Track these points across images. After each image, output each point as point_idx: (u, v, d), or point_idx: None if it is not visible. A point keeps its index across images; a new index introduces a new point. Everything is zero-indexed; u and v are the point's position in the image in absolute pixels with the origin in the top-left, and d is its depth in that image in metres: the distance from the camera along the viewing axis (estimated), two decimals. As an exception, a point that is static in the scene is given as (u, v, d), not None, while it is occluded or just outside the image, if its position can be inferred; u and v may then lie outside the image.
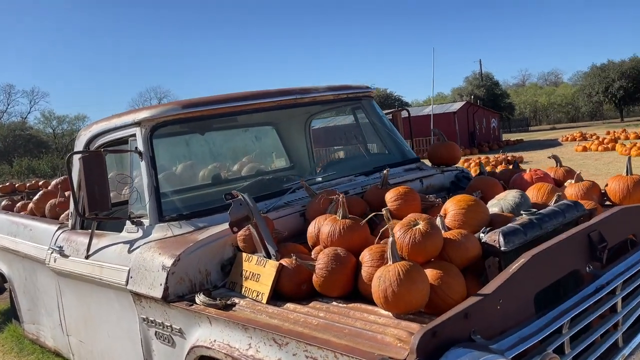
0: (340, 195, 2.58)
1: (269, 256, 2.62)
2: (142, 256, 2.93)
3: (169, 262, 2.71)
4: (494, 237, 2.39)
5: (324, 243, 2.52)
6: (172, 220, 3.07)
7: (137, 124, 3.31)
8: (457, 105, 33.74)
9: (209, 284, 2.78)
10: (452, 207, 2.62)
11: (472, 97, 35.78)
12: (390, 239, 2.13)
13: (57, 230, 4.07)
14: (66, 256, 3.72)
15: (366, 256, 2.32)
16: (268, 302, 2.42)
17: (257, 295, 2.48)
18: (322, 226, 2.58)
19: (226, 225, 2.88)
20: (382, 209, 2.35)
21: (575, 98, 66.16)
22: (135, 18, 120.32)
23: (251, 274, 2.59)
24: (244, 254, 2.72)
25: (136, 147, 3.26)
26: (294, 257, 2.39)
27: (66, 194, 4.85)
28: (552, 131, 51.58)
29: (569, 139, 33.50)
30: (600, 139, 27.34)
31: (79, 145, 3.92)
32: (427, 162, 4.26)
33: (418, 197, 2.91)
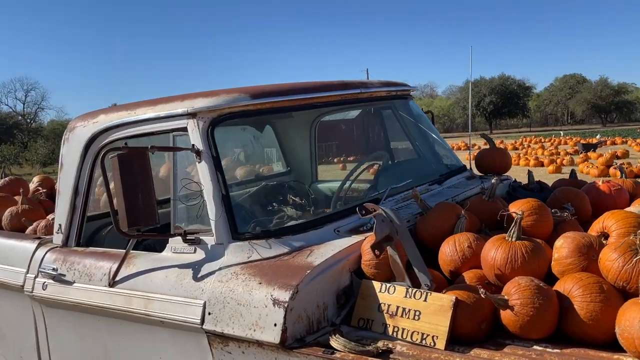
0: (519, 212, 2.11)
1: (414, 285, 2.09)
2: (228, 286, 2.26)
3: (284, 295, 2.08)
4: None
5: (498, 271, 2.04)
6: (254, 238, 2.42)
7: (191, 115, 2.60)
8: (355, 112, 34.23)
9: (326, 320, 2.19)
10: (616, 225, 2.25)
11: (368, 104, 36.51)
12: (646, 268, 1.71)
13: (37, 248, 3.18)
14: (68, 282, 2.88)
15: (575, 288, 1.88)
16: (446, 348, 1.90)
17: (424, 338, 1.95)
18: (491, 250, 2.09)
19: (340, 246, 2.32)
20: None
21: (451, 110, 70.28)
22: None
23: (401, 309, 2.04)
24: (376, 283, 2.16)
25: (193, 145, 2.56)
26: (482, 290, 1.89)
27: (19, 196, 3.89)
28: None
29: (455, 148, 35.28)
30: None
31: (75, 141, 3.09)
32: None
33: (549, 212, 2.52)
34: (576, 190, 3.14)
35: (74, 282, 2.86)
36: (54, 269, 2.98)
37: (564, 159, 21.11)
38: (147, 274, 2.58)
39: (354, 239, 2.39)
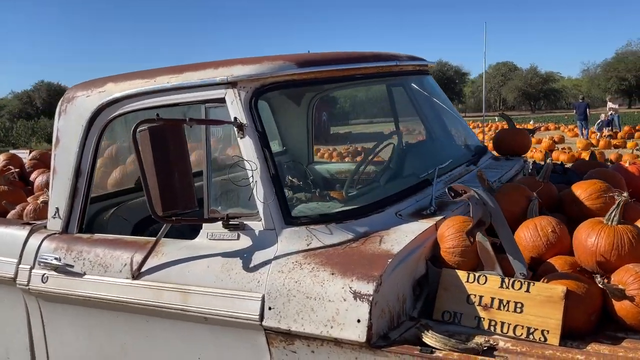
0: (624, 193, 1.95)
1: (505, 274, 1.90)
2: (291, 277, 1.99)
3: (366, 287, 1.84)
4: None
5: (601, 258, 1.88)
6: (312, 223, 2.16)
7: (231, 84, 2.30)
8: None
9: (404, 314, 1.97)
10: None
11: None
12: None
13: (30, 235, 2.79)
14: (77, 274, 2.52)
15: (695, 275, 1.74)
16: (560, 343, 1.73)
17: (532, 333, 1.76)
18: (590, 236, 1.92)
19: (412, 232, 2.09)
20: None
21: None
22: None
23: (497, 301, 1.85)
24: (461, 272, 1.96)
25: (235, 118, 2.27)
26: (599, 279, 1.72)
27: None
28: (370, 124, 54.72)
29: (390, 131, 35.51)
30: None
31: (76, 114, 2.72)
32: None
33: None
34: (612, 172, 3.05)
35: (84, 273, 2.51)
36: (56, 259, 2.60)
37: (506, 144, 21.60)
38: (182, 264, 2.28)
39: (423, 224, 2.17)
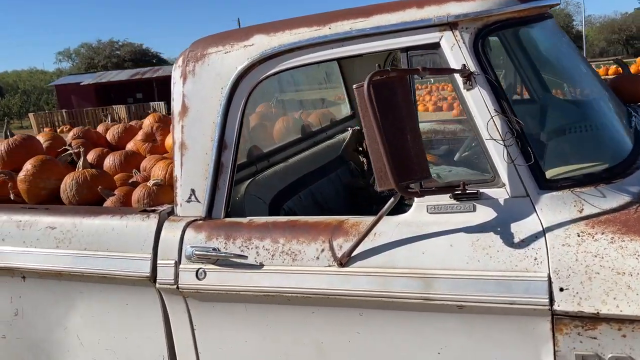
0: None
1: None
2: (586, 251, 1.67)
3: None
4: None
5: None
6: (575, 185, 1.83)
7: (450, 25, 1.91)
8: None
9: None
10: None
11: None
12: None
13: (162, 225, 2.32)
14: (252, 266, 2.10)
15: None
16: None
17: None
18: None
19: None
20: None
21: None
22: None
23: None
24: None
25: (464, 65, 1.88)
26: None
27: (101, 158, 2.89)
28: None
29: (339, 98, 35.25)
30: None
31: (212, 74, 2.26)
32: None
33: None
34: None
35: (261, 264, 2.08)
36: (214, 250, 2.16)
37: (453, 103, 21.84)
38: (408, 244, 1.90)
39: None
